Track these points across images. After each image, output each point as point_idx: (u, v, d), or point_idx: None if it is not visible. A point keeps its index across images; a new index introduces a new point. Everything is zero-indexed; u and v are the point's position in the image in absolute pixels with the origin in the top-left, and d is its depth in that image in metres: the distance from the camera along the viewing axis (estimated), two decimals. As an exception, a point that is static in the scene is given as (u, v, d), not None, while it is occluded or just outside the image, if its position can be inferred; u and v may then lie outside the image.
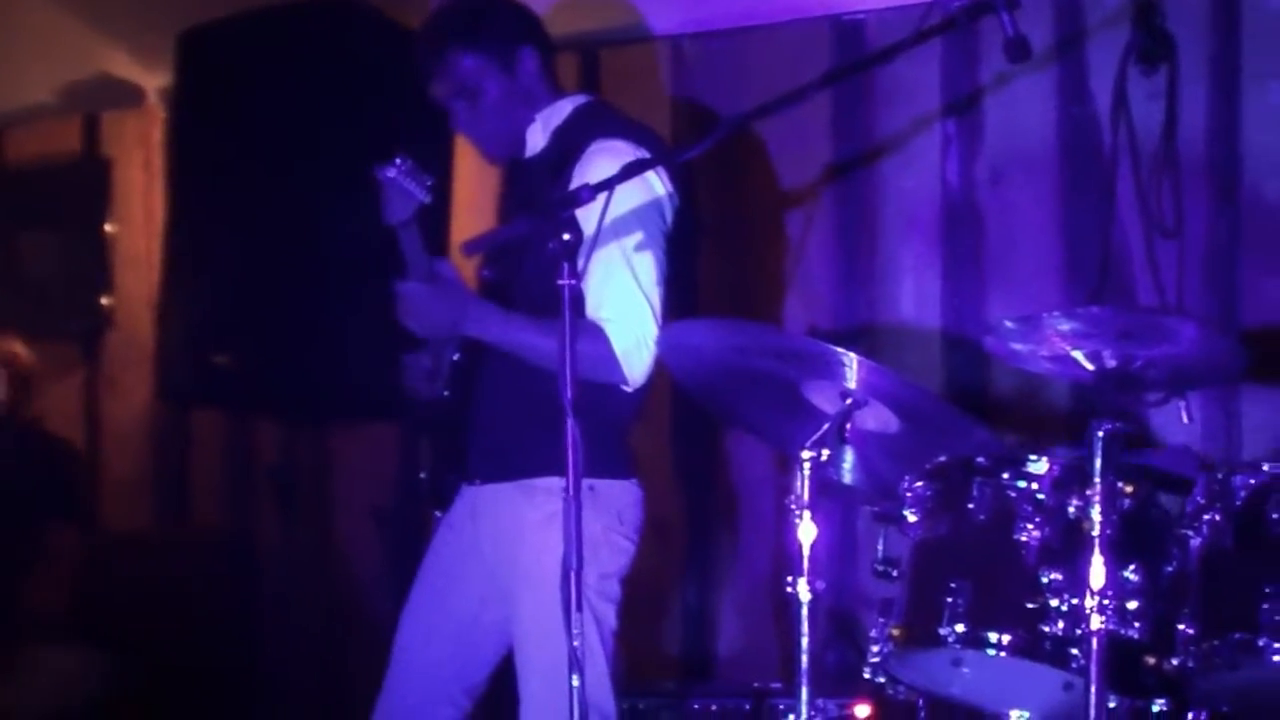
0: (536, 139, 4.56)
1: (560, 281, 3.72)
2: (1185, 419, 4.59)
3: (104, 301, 7.01)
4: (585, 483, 3.78)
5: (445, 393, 4.55)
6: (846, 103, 5.74)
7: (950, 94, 5.65)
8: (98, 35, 6.75)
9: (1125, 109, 5.32)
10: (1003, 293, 5.56)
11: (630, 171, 3.97)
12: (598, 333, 4.22)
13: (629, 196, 4.15)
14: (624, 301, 4.26)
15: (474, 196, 6.03)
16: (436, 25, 4.63)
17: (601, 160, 4.26)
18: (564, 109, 4.57)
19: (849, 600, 5.47)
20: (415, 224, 4.39)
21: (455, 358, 4.53)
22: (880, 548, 4.15)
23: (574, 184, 4.21)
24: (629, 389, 4.30)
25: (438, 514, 4.62)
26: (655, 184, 4.35)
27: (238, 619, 6.49)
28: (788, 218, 5.84)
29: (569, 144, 4.45)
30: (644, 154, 4.31)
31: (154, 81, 6.84)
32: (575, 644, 3.66)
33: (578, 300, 3.98)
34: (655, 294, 4.31)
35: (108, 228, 7.02)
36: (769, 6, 5.87)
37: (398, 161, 4.34)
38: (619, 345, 4.23)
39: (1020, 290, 5.52)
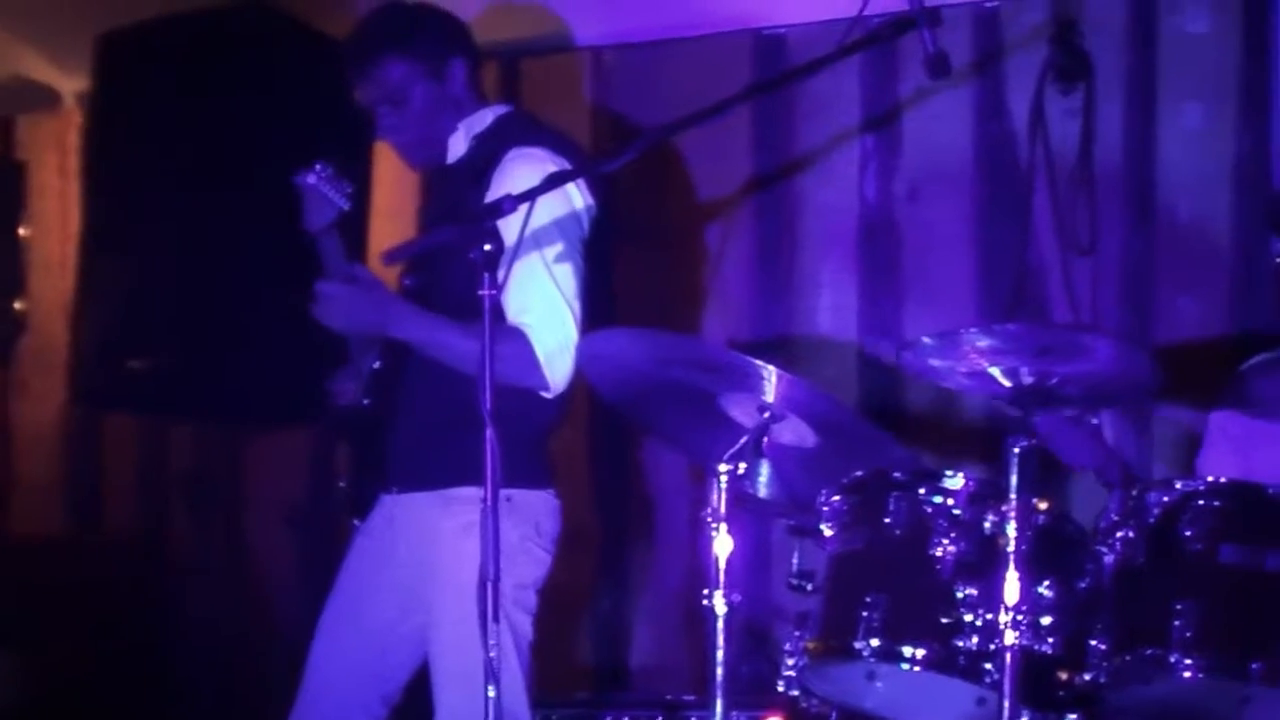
0: (458, 146, 4.57)
1: (481, 291, 3.72)
2: (1100, 436, 4.63)
3: (17, 306, 6.94)
4: (503, 493, 3.79)
5: (365, 401, 4.54)
6: (767, 116, 5.76)
7: (869, 109, 5.68)
8: (14, 38, 6.68)
9: (1043, 126, 5.38)
10: (919, 307, 5.58)
11: (553, 182, 3.98)
12: (520, 336, 4.23)
13: (549, 207, 4.16)
14: (546, 306, 4.27)
15: (393, 203, 6.02)
16: (368, 31, 4.63)
17: (519, 167, 4.27)
18: (486, 117, 4.59)
19: (762, 613, 5.47)
20: (335, 230, 4.39)
21: (376, 366, 4.52)
22: (795, 561, 4.13)
23: (492, 191, 4.23)
24: (549, 394, 4.30)
25: (356, 522, 4.61)
26: (575, 195, 4.37)
27: (150, 624, 6.45)
28: (707, 229, 5.85)
29: (488, 151, 4.46)
30: (562, 163, 4.32)
31: (70, 85, 6.78)
32: (491, 654, 3.65)
33: (497, 310, 3.98)
34: (575, 301, 4.32)
35: (22, 231, 6.95)
36: (690, 19, 5.88)
37: (318, 168, 4.34)
38: (541, 349, 4.24)
39: (936, 305, 5.55)
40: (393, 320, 4.34)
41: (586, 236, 4.42)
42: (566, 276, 4.31)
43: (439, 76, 4.54)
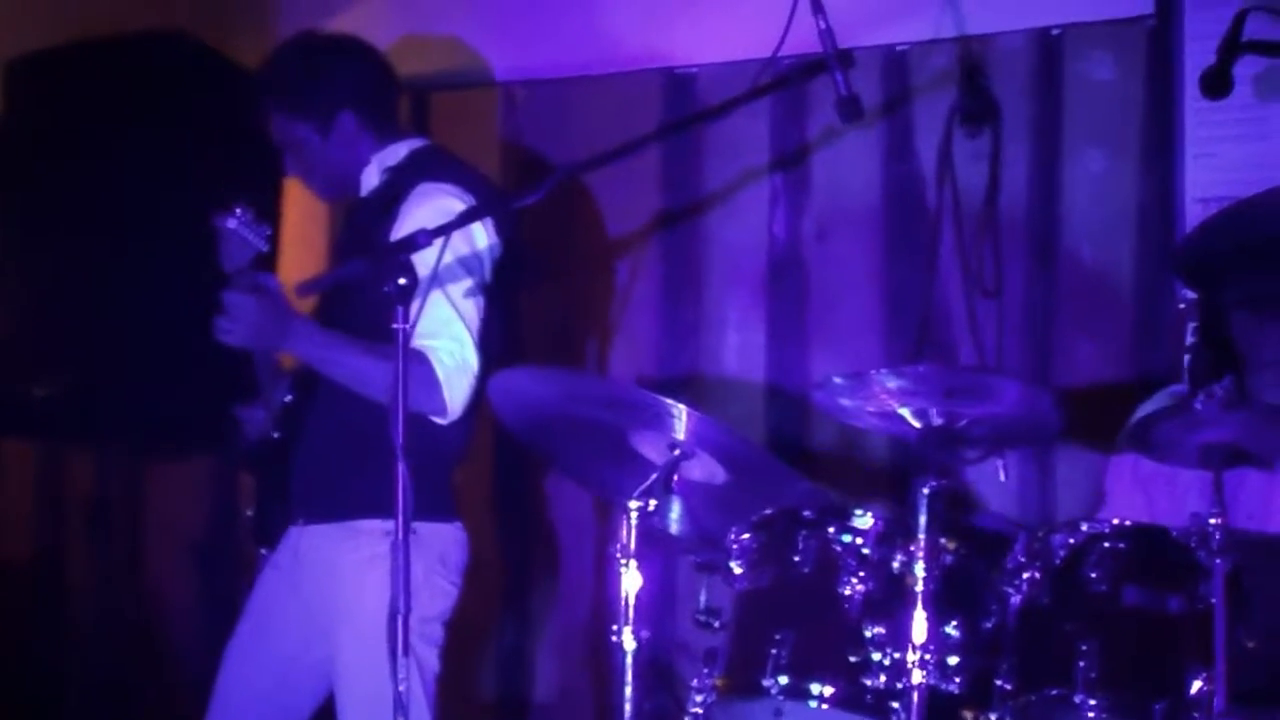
0: (371, 179, 4.61)
1: (395, 325, 3.72)
2: (1002, 477, 4.69)
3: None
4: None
5: (275, 434, 4.54)
6: (676, 154, 5.76)
7: (778, 149, 5.69)
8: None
9: (950, 169, 5.43)
10: (826, 347, 5.59)
11: (468, 217, 4.01)
12: (420, 357, 4.23)
13: (454, 243, 4.17)
14: (446, 329, 4.29)
15: (304, 233, 6.00)
16: (260, 83, 4.71)
17: (425, 202, 4.30)
18: (400, 151, 4.63)
19: (667, 650, 5.47)
20: (251, 272, 4.39)
21: (287, 399, 4.52)
22: (702, 598, 4.15)
23: (399, 224, 4.26)
24: (444, 420, 4.31)
25: (264, 551, 4.61)
26: (478, 233, 4.41)
27: (47, 652, 6.38)
28: (615, 267, 5.86)
29: (398, 186, 4.49)
30: (469, 199, 4.36)
31: (-23, 111, 6.73)
32: (401, 688, 3.65)
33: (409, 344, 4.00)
34: (475, 329, 4.34)
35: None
36: (601, 57, 5.90)
37: (238, 211, 4.35)
38: (440, 370, 4.26)
39: (843, 345, 5.56)
40: (294, 334, 4.34)
41: (489, 274, 4.44)
42: (469, 307, 4.34)
43: (324, 132, 4.59)
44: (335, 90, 4.60)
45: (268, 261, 5.11)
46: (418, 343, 4.22)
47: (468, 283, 4.36)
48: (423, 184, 4.43)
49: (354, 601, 4.30)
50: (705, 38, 5.73)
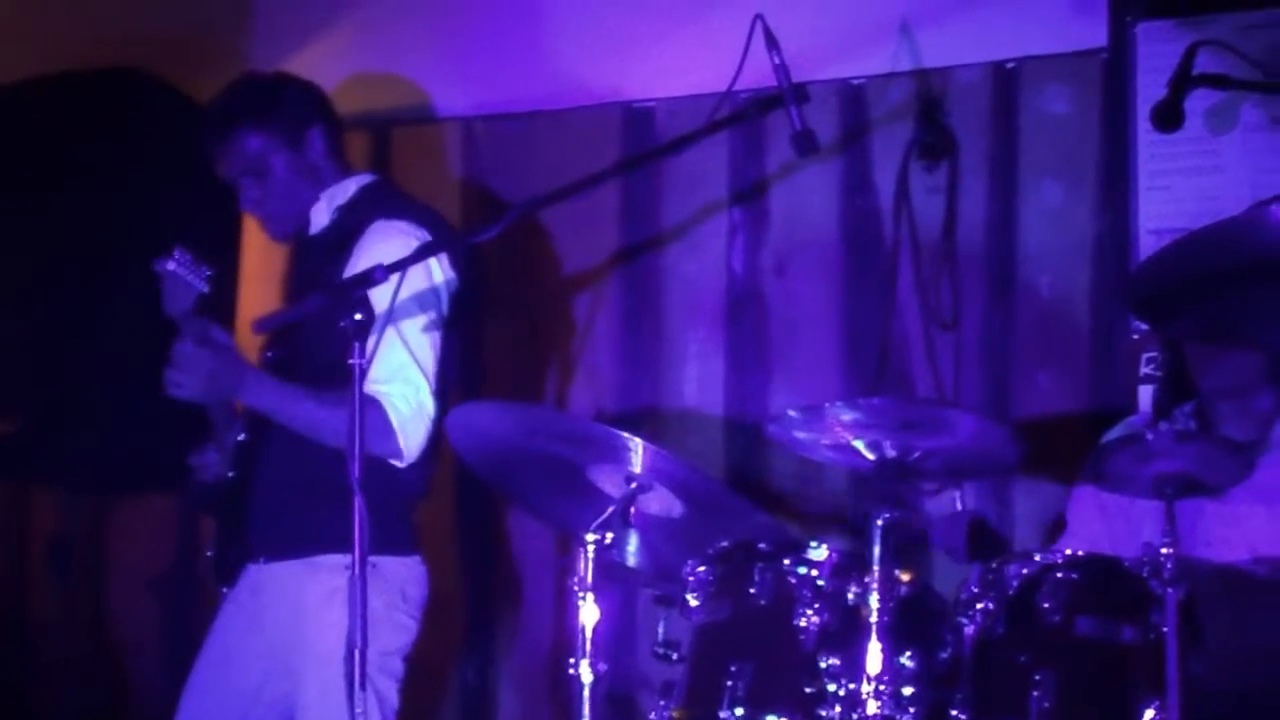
0: (321, 217, 4.62)
1: (351, 361, 3.72)
2: (958, 507, 4.70)
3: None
4: (368, 560, 3.80)
5: (230, 474, 4.54)
6: (634, 189, 5.78)
7: (737, 183, 5.71)
8: None
9: (907, 202, 5.45)
10: (785, 380, 5.61)
11: (425, 252, 4.02)
12: (374, 404, 4.24)
13: (409, 280, 4.19)
14: (401, 375, 4.30)
15: (263, 268, 6.01)
16: (225, 104, 4.67)
17: (381, 239, 4.32)
18: (349, 188, 4.63)
19: (627, 682, 5.48)
20: (195, 313, 4.39)
21: (240, 438, 4.52)
22: (661, 630, 4.16)
23: (354, 261, 4.27)
24: (402, 463, 4.32)
25: (225, 590, 4.61)
26: (435, 269, 4.43)
27: (11, 691, 6.36)
28: (575, 301, 5.87)
29: (351, 222, 4.50)
30: (424, 235, 4.38)
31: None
32: (358, 723, 3.66)
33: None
34: (433, 371, 4.35)
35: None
36: (560, 92, 5.92)
37: (176, 254, 4.38)
38: (395, 417, 4.27)
39: (802, 378, 5.58)
40: (247, 386, 4.36)
41: (447, 311, 4.46)
42: (423, 348, 4.35)
43: (297, 146, 4.59)
44: (303, 103, 4.63)
45: (224, 290, 5.15)
46: (372, 388, 4.24)
47: (424, 321, 4.37)
48: (378, 220, 4.44)
49: (316, 636, 4.31)
50: (664, 72, 5.76)
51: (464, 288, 4.54)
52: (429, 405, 4.32)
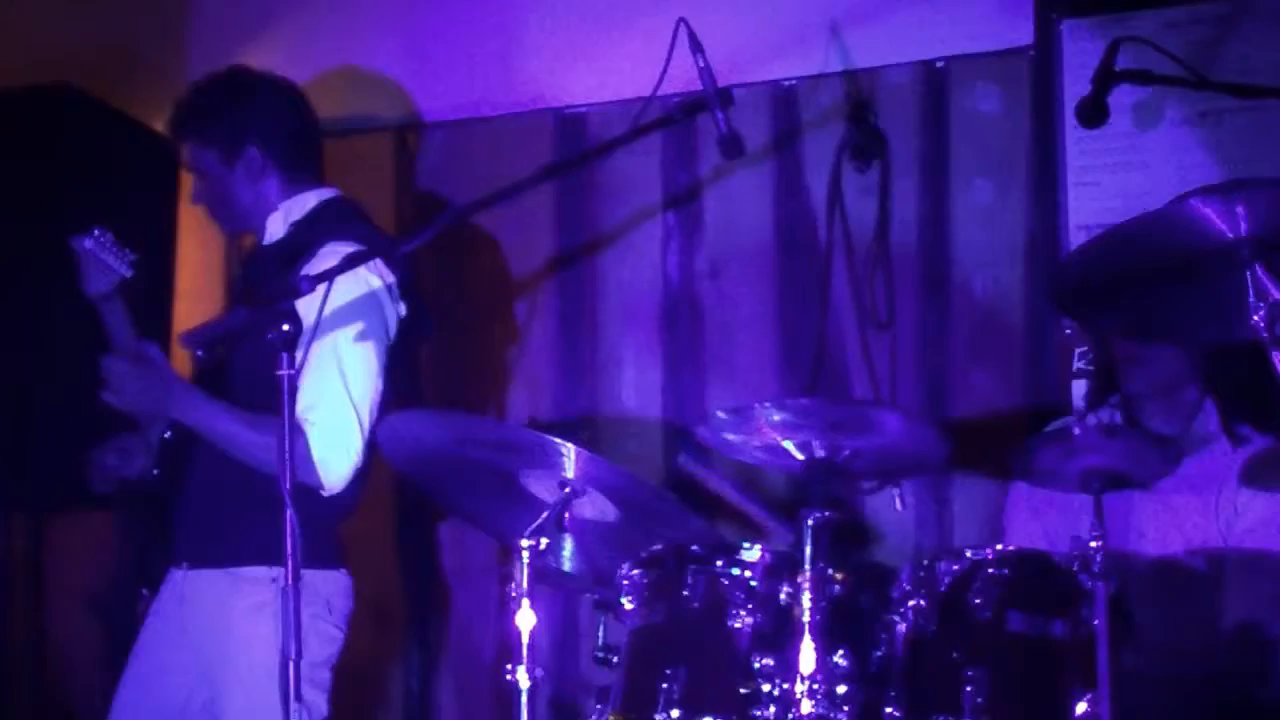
0: (276, 228, 4.63)
1: (279, 372, 3.72)
2: (899, 506, 4.72)
3: None
4: (295, 573, 3.82)
5: (155, 471, 4.54)
6: (569, 195, 5.79)
7: (670, 188, 5.72)
8: None
9: (840, 204, 5.47)
10: (722, 384, 5.62)
11: (352, 262, 4.00)
12: (298, 433, 4.24)
13: (347, 291, 4.19)
14: (331, 409, 4.30)
15: (197, 285, 6.00)
16: (177, 112, 4.73)
17: (329, 262, 4.29)
18: (308, 201, 4.65)
19: (571, 687, 5.49)
20: (118, 298, 4.41)
21: (166, 435, 4.52)
22: (600, 635, 4.17)
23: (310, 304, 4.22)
24: (324, 493, 4.32)
25: (145, 592, 4.61)
26: (386, 302, 4.44)
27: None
28: (511, 308, 5.87)
29: (303, 241, 4.51)
30: (388, 275, 4.41)
31: None
32: (294, 733, 3.66)
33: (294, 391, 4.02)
34: (367, 399, 4.37)
35: None
36: (492, 100, 5.93)
37: (96, 233, 4.39)
38: (317, 450, 4.28)
39: (739, 381, 5.59)
40: (177, 403, 4.39)
41: (393, 341, 4.46)
42: (361, 380, 4.35)
43: (229, 164, 4.60)
44: (245, 123, 4.62)
45: (157, 306, 5.13)
46: (301, 414, 4.25)
47: (365, 353, 4.37)
48: (330, 243, 4.43)
49: (244, 649, 4.32)
50: (595, 77, 5.77)
51: (410, 317, 4.54)
52: (355, 440, 4.32)
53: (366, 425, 4.36)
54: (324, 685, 4.44)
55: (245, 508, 4.28)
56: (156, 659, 4.55)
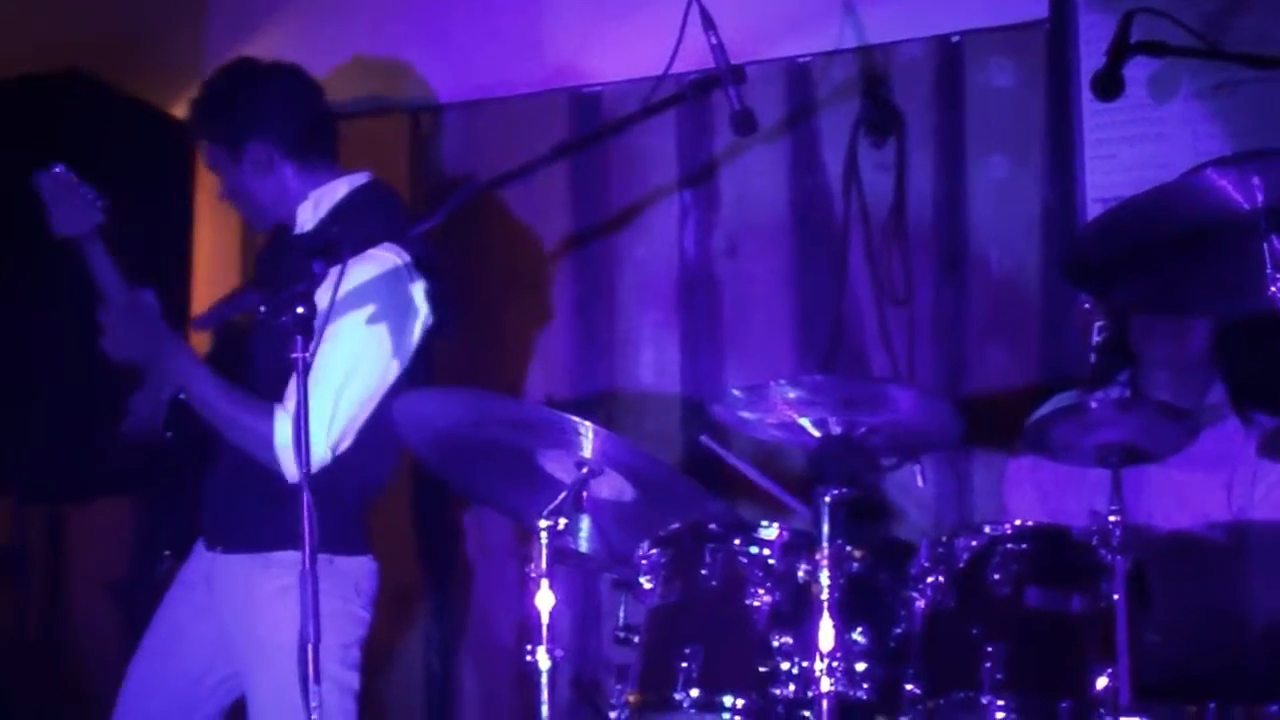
0: (306, 217, 4.60)
1: (294, 354, 3.72)
2: (920, 482, 4.71)
3: None
4: (324, 557, 3.85)
5: (168, 434, 4.55)
6: (585, 174, 5.79)
7: (686, 165, 5.72)
8: None
9: (856, 180, 5.46)
10: (739, 361, 5.62)
11: (362, 245, 4.01)
12: (266, 415, 4.30)
13: (362, 273, 4.19)
14: (316, 402, 4.20)
15: (213, 272, 6.00)
16: (189, 112, 4.75)
17: (360, 265, 4.27)
18: (338, 190, 4.62)
19: (593, 667, 5.50)
20: (97, 241, 4.42)
21: (182, 396, 4.52)
22: (621, 614, 4.17)
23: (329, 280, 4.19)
24: (289, 481, 4.28)
25: (167, 554, 4.63)
26: (388, 259, 4.39)
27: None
28: (528, 288, 5.87)
29: (332, 229, 4.49)
30: (405, 255, 4.36)
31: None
32: (314, 717, 3.66)
33: (281, 378, 4.14)
34: (363, 388, 4.36)
35: None
36: (506, 79, 5.93)
37: (57, 171, 4.40)
38: (279, 438, 4.27)
39: (756, 358, 5.58)
40: (166, 356, 4.41)
41: (416, 345, 4.45)
42: (361, 369, 4.36)
43: (236, 160, 4.59)
44: (248, 118, 4.60)
45: (177, 294, 5.12)
46: (285, 399, 4.27)
47: (375, 360, 4.36)
48: (353, 261, 4.41)
49: (271, 632, 4.33)
50: (611, 57, 5.76)
51: (437, 326, 4.53)
52: (321, 444, 4.30)
53: (351, 416, 4.36)
54: (355, 664, 4.49)
55: (274, 493, 4.29)
56: (177, 629, 4.61)
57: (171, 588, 4.66)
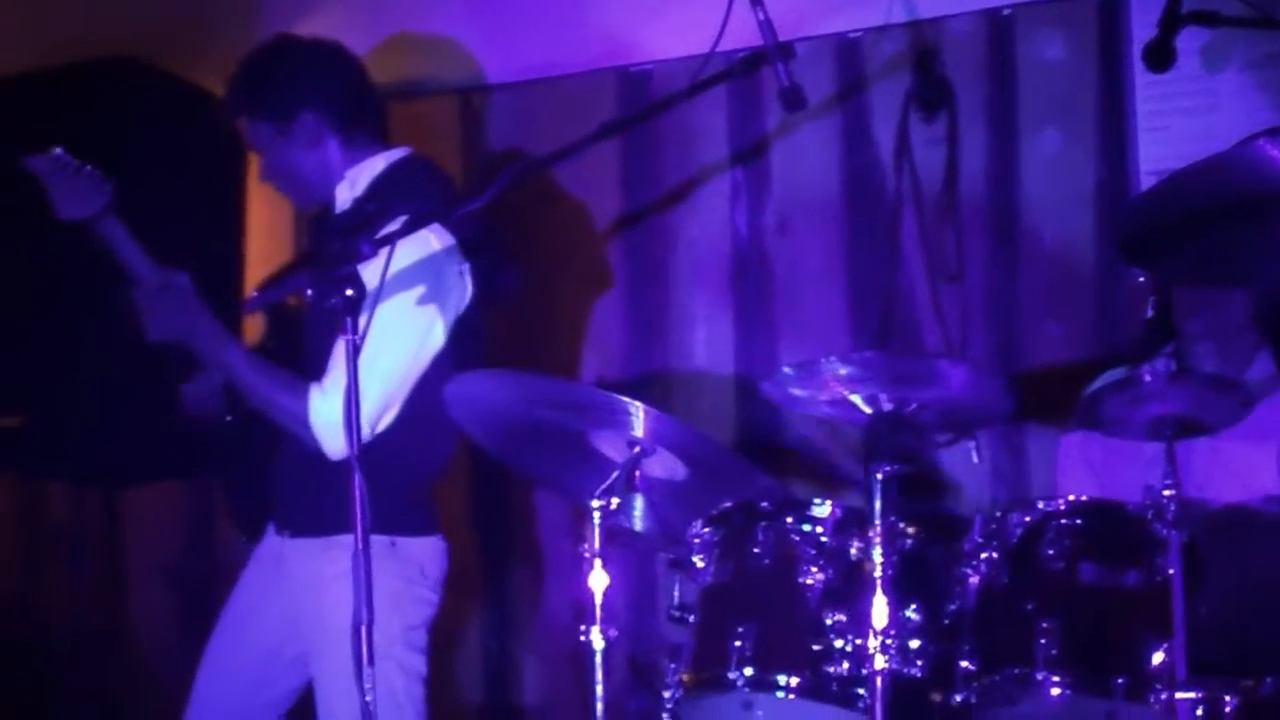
0: (345, 195, 4.59)
1: (344, 336, 3.72)
2: (975, 458, 4.70)
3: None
4: (387, 539, 3.90)
5: (228, 417, 4.56)
6: (635, 153, 5.78)
7: (737, 143, 5.71)
8: None
9: (907, 155, 5.44)
10: (793, 339, 5.61)
11: (414, 225, 4.00)
12: (302, 393, 4.30)
13: (409, 254, 4.18)
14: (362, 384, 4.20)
15: (267, 250, 6.02)
16: (229, 91, 4.70)
17: (402, 247, 4.26)
18: (376, 165, 4.60)
19: (649, 646, 5.49)
20: (111, 218, 4.43)
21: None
22: (676, 594, 4.17)
23: (373, 262, 4.18)
24: (333, 459, 4.29)
25: (244, 538, 4.67)
26: (434, 240, 4.38)
27: (27, 686, 6.37)
28: (579, 268, 5.88)
29: (372, 205, 4.48)
30: (447, 237, 4.35)
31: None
32: (368, 698, 3.67)
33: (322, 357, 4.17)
34: (406, 369, 4.35)
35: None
36: (556, 59, 5.91)
37: (56, 153, 4.41)
38: (315, 415, 4.28)
39: (809, 336, 5.57)
40: (202, 336, 4.41)
41: (460, 324, 4.44)
42: (404, 350, 4.35)
43: (285, 134, 4.57)
44: (297, 89, 4.57)
45: (229, 274, 5.12)
46: (324, 376, 4.28)
47: (421, 306, 4.34)
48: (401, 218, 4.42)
49: (334, 609, 4.31)
50: (659, 34, 5.75)
51: (488, 297, 4.54)
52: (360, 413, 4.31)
53: (386, 393, 4.34)
54: (420, 647, 4.48)
55: (338, 476, 4.29)
56: (251, 605, 4.64)
57: (246, 567, 4.69)
